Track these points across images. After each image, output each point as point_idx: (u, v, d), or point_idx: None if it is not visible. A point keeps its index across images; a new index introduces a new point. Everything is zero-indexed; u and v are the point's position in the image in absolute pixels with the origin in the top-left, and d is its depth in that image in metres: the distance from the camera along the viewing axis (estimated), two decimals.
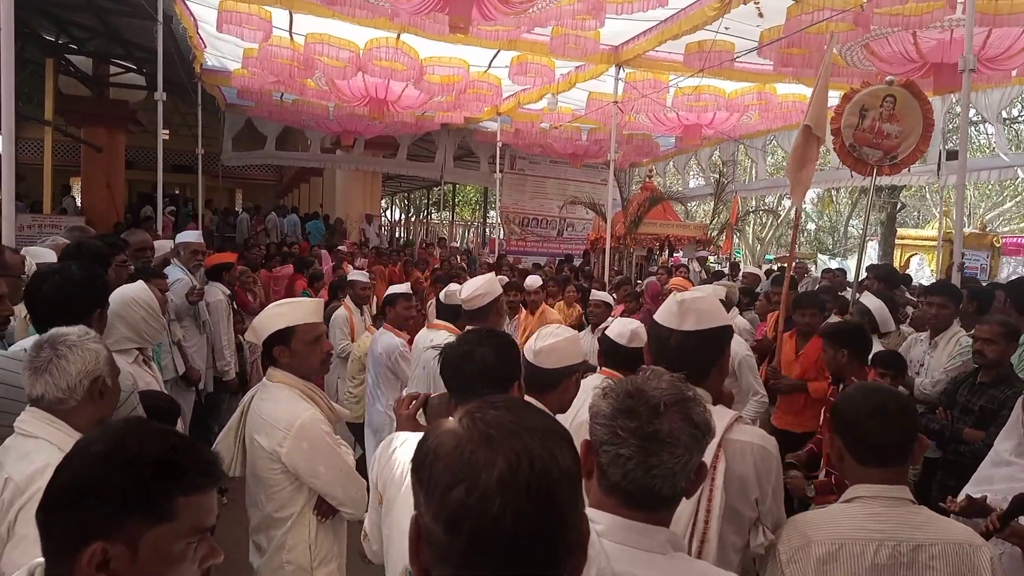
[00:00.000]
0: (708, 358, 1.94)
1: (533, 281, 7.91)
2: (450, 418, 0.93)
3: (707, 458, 1.75)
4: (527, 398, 2.43)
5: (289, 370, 2.56)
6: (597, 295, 6.63)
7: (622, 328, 3.33)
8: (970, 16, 5.06)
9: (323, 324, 2.71)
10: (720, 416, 1.86)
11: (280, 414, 2.47)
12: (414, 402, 2.20)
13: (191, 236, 5.85)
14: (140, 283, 3.31)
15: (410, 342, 4.79)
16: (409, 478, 1.76)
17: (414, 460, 0.92)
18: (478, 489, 0.82)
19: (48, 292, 2.58)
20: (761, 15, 7.65)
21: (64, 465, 1.14)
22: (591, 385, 3.17)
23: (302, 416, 2.45)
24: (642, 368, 1.54)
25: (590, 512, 1.29)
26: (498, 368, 1.96)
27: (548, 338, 2.44)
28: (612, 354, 3.34)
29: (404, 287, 5.38)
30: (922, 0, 6.56)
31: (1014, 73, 8.64)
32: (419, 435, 1.94)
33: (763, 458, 1.87)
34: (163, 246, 5.78)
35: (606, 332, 3.42)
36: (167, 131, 8.61)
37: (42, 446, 1.86)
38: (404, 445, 1.94)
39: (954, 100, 10.46)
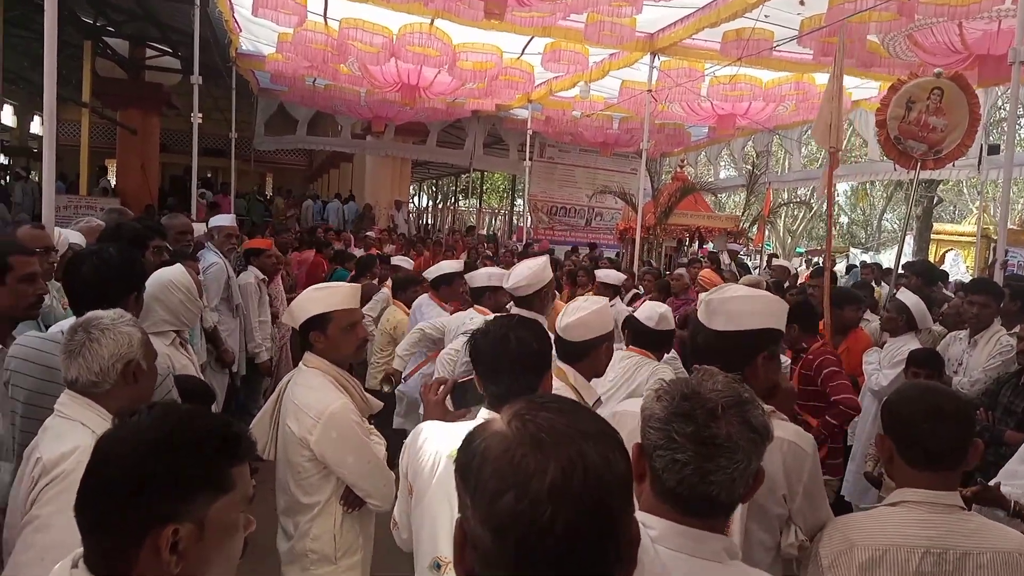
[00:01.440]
0: (737, 358, 1.88)
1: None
2: (497, 417, 0.91)
3: None
4: (560, 365, 2.49)
5: (324, 356, 2.55)
6: (607, 275, 6.76)
7: (651, 311, 3.51)
8: (1022, 6, 4.90)
9: (360, 311, 2.69)
10: None
11: (312, 400, 2.44)
12: (442, 388, 2.18)
13: (225, 220, 5.89)
14: (178, 266, 3.33)
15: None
16: (441, 469, 1.77)
17: (458, 461, 0.89)
18: (528, 496, 0.80)
19: (86, 274, 2.59)
20: (803, 3, 7.50)
21: (113, 458, 1.13)
22: (618, 359, 3.40)
23: (333, 405, 2.43)
24: (696, 367, 1.51)
25: (643, 517, 1.28)
26: (534, 355, 1.93)
27: (575, 312, 2.53)
28: (640, 335, 3.53)
29: (458, 264, 5.55)
30: None
31: None
32: (448, 425, 1.95)
33: (794, 455, 1.82)
34: (198, 229, 5.83)
35: (635, 314, 3.59)
36: (200, 116, 8.65)
37: (76, 428, 1.88)
38: (433, 435, 1.93)
39: (999, 92, 10.20)
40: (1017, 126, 19.71)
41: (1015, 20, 5.16)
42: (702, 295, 2.02)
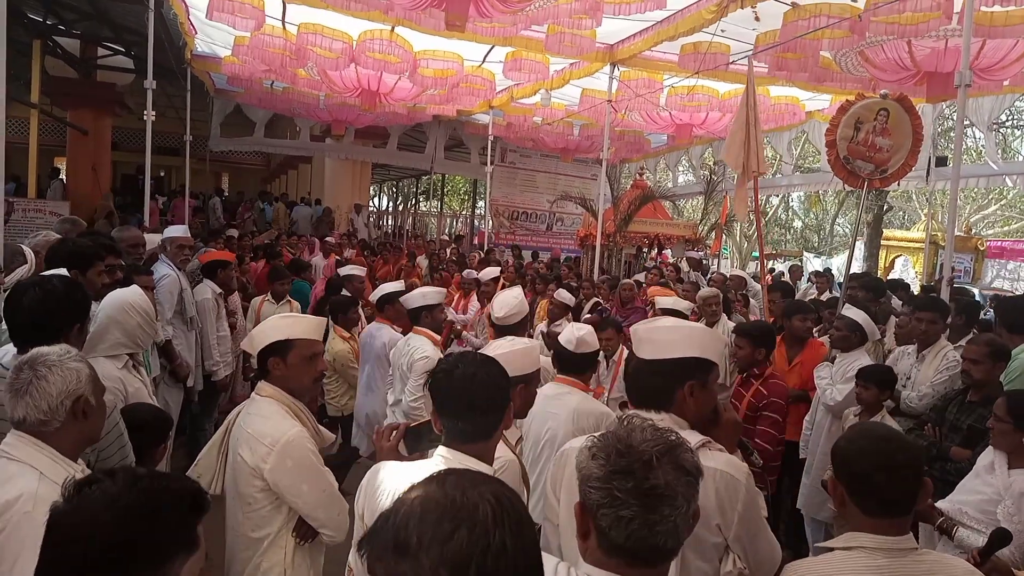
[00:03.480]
0: (663, 385, 1.94)
1: (489, 272, 8.11)
2: (401, 496, 1.01)
3: None
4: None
5: (280, 384, 2.50)
6: (560, 295, 6.82)
7: (570, 335, 3.45)
8: (967, 32, 5.08)
9: (322, 344, 2.66)
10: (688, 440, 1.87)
11: (267, 429, 2.40)
12: (395, 433, 2.17)
13: (177, 231, 5.76)
14: (136, 288, 3.27)
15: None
16: None
17: (392, 538, 0.94)
18: (478, 526, 0.92)
19: (29, 306, 2.51)
20: (758, 19, 7.64)
21: (86, 530, 1.11)
22: (545, 394, 3.32)
23: (288, 433, 2.38)
24: (622, 415, 1.53)
25: (590, 570, 1.33)
26: (500, 392, 1.95)
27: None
28: (562, 360, 3.48)
29: (398, 285, 5.49)
30: (919, 9, 6.57)
31: (1006, 83, 8.70)
32: (405, 464, 1.95)
33: (727, 485, 1.85)
34: (152, 240, 5.70)
35: (558, 338, 3.58)
36: (154, 113, 8.38)
37: (24, 471, 1.84)
38: (391, 475, 1.92)
39: (945, 106, 10.53)
40: (966, 136, 20.38)
41: (961, 39, 5.34)
42: (635, 327, 2.06)
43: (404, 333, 4.79)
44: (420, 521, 0.93)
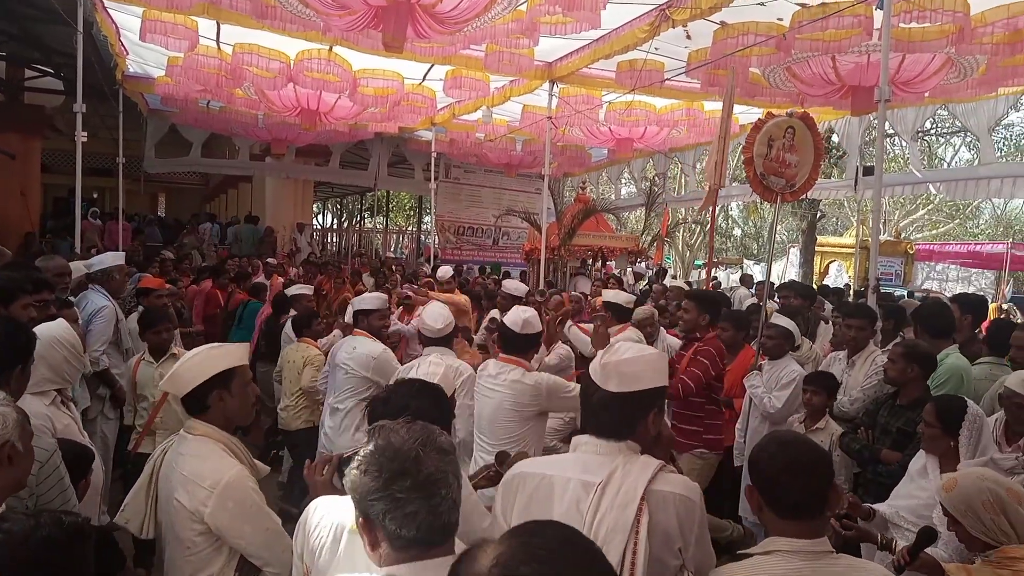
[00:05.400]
0: (631, 416, 1.98)
1: (444, 272, 8.29)
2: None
3: (630, 510, 1.82)
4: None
5: (221, 416, 2.43)
6: (509, 286, 7.10)
7: (515, 316, 3.79)
8: (885, 49, 5.33)
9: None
10: (645, 467, 1.91)
11: (205, 471, 2.31)
12: (328, 466, 2.12)
13: (108, 260, 5.52)
14: (62, 322, 3.18)
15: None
16: (344, 544, 1.77)
17: None
18: None
19: None
20: (689, 37, 7.87)
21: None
22: (488, 372, 3.77)
23: (228, 474, 2.31)
24: (373, 427, 1.58)
25: (393, 570, 1.43)
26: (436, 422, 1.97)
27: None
28: (508, 341, 3.79)
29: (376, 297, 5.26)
30: (841, 27, 6.86)
31: (927, 94, 9.12)
32: (342, 498, 1.95)
33: (686, 508, 1.90)
34: (77, 268, 5.48)
35: (503, 319, 3.96)
36: (85, 134, 8.06)
37: None
38: (330, 510, 1.90)
39: (871, 118, 10.97)
40: (891, 143, 21.18)
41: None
42: (598, 356, 2.08)
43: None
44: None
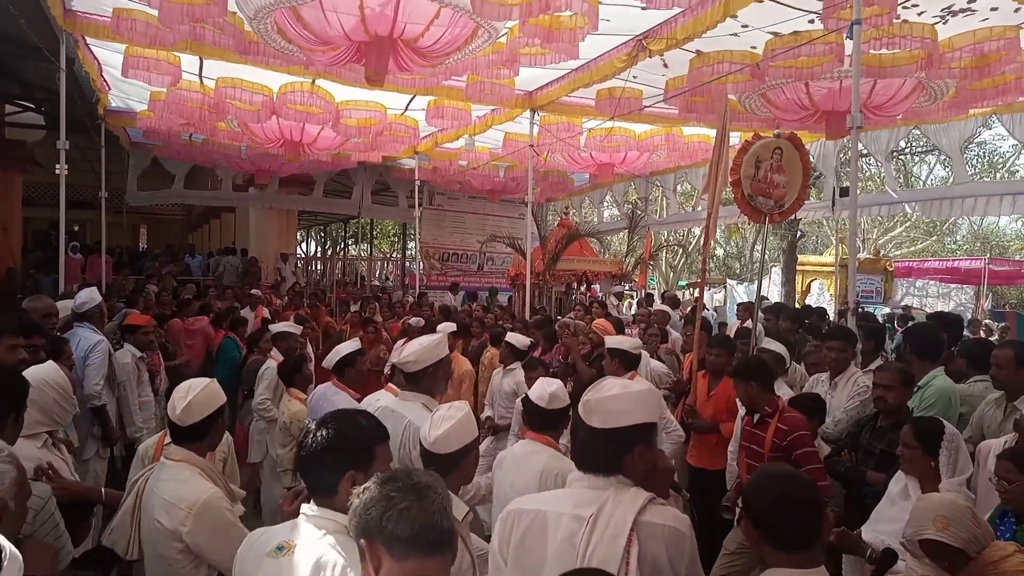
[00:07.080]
0: (615, 452, 2.01)
1: (417, 322, 8.14)
2: None
3: (620, 541, 1.86)
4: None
5: (202, 444, 2.69)
6: (513, 338, 6.48)
7: (541, 391, 3.28)
8: (856, 77, 5.47)
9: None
10: (634, 499, 1.96)
11: (184, 493, 2.51)
12: (298, 499, 2.20)
13: (84, 296, 5.50)
14: (51, 364, 3.21)
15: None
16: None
17: None
18: None
19: None
20: (666, 65, 8.03)
21: None
22: (515, 453, 3.23)
23: (203, 495, 2.52)
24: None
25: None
26: (335, 452, 1.98)
27: (441, 425, 2.50)
28: (532, 416, 3.30)
29: (354, 345, 4.77)
30: (813, 54, 7.04)
31: (899, 117, 9.33)
32: (273, 528, 2.00)
33: (675, 539, 1.93)
34: (64, 307, 5.49)
35: (528, 394, 3.40)
36: (67, 167, 7.97)
37: None
38: (271, 533, 2.00)
39: (847, 140, 11.18)
40: (867, 163, 21.54)
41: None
42: (585, 397, 2.10)
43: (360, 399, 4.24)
44: None
